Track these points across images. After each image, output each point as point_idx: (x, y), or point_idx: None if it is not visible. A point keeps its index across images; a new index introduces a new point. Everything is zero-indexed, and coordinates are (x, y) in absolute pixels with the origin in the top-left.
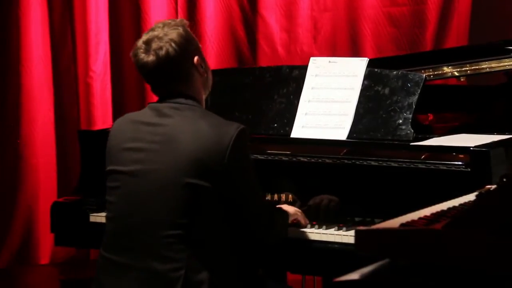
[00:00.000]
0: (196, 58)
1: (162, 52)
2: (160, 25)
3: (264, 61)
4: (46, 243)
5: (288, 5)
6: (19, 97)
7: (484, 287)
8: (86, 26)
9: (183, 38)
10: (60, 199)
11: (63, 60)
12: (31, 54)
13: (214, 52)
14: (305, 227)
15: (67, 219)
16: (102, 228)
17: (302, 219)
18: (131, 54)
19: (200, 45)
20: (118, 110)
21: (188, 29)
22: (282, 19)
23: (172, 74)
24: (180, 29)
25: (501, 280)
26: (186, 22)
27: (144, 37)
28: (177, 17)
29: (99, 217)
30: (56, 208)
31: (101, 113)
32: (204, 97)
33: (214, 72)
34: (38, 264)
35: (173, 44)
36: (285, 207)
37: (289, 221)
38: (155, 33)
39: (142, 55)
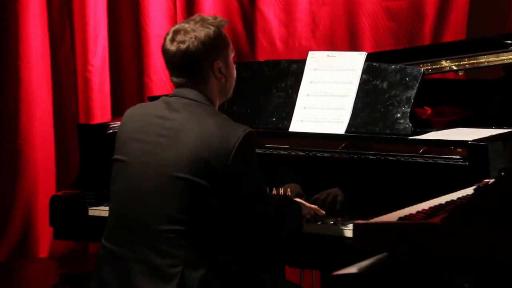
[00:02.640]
0: (216, 63)
1: (183, 46)
2: (197, 19)
3: (262, 56)
4: (45, 236)
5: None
6: (18, 91)
7: (482, 280)
8: (84, 20)
9: (209, 39)
10: (59, 193)
11: (62, 54)
12: (29, 49)
13: None
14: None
15: (66, 213)
16: (101, 222)
17: (318, 211)
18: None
19: (232, 52)
20: (117, 104)
21: (223, 32)
22: (281, 13)
23: (188, 69)
24: (211, 29)
25: (499, 273)
26: (225, 23)
27: (178, 25)
28: (175, 11)
29: (97, 211)
30: (55, 202)
31: (99, 107)
32: (218, 101)
33: None
34: (37, 258)
35: (195, 42)
36: (302, 203)
37: (304, 215)
38: (186, 26)
39: (168, 42)
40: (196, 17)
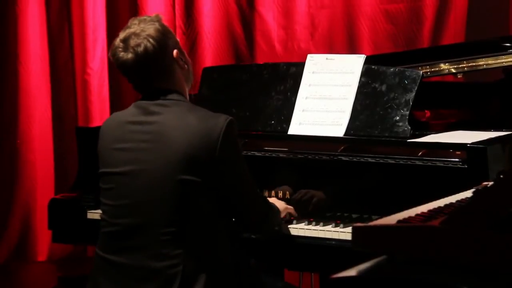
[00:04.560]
0: (175, 52)
1: (141, 49)
2: (136, 21)
3: (261, 58)
4: (43, 240)
5: (285, 2)
6: (17, 94)
7: (481, 283)
8: (83, 22)
9: (160, 32)
10: (58, 196)
11: (61, 57)
12: (28, 51)
13: (211, 49)
14: (295, 219)
15: (65, 216)
16: (99, 225)
17: (293, 212)
18: (109, 54)
19: (178, 39)
20: (116, 106)
21: (164, 23)
22: (279, 16)
23: (153, 70)
24: (157, 24)
25: (498, 276)
26: (161, 17)
27: (121, 35)
28: (174, 14)
29: (96, 214)
30: (53, 205)
31: (98, 109)
32: (187, 90)
33: (212, 69)
34: (36, 261)
35: (151, 40)
36: (275, 202)
37: (281, 216)
38: (132, 30)
39: (121, 54)
40: (132, 21)
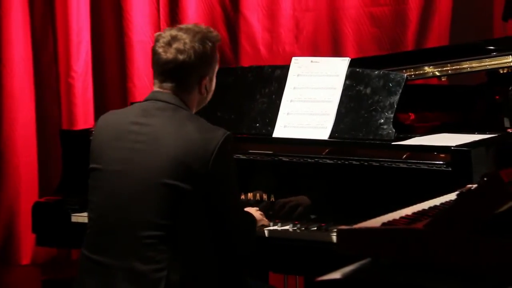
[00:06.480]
0: (204, 80)
1: (181, 57)
2: (196, 29)
3: (246, 61)
4: (27, 243)
5: (270, 5)
6: (0, 97)
7: (465, 285)
8: (67, 25)
9: (206, 55)
10: (42, 199)
11: (45, 59)
12: (12, 54)
13: None
14: (268, 226)
15: (49, 220)
16: (83, 228)
17: (265, 222)
18: (155, 34)
19: (217, 68)
20: (100, 110)
21: (216, 49)
22: (264, 19)
23: (176, 77)
24: (209, 46)
25: (481, 278)
26: (220, 38)
27: (174, 31)
28: (159, 17)
29: (80, 217)
30: (37, 208)
31: (82, 113)
32: (194, 110)
33: None
34: (20, 265)
35: (193, 56)
36: (251, 211)
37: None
38: (184, 36)
39: (162, 44)
40: (193, 27)
